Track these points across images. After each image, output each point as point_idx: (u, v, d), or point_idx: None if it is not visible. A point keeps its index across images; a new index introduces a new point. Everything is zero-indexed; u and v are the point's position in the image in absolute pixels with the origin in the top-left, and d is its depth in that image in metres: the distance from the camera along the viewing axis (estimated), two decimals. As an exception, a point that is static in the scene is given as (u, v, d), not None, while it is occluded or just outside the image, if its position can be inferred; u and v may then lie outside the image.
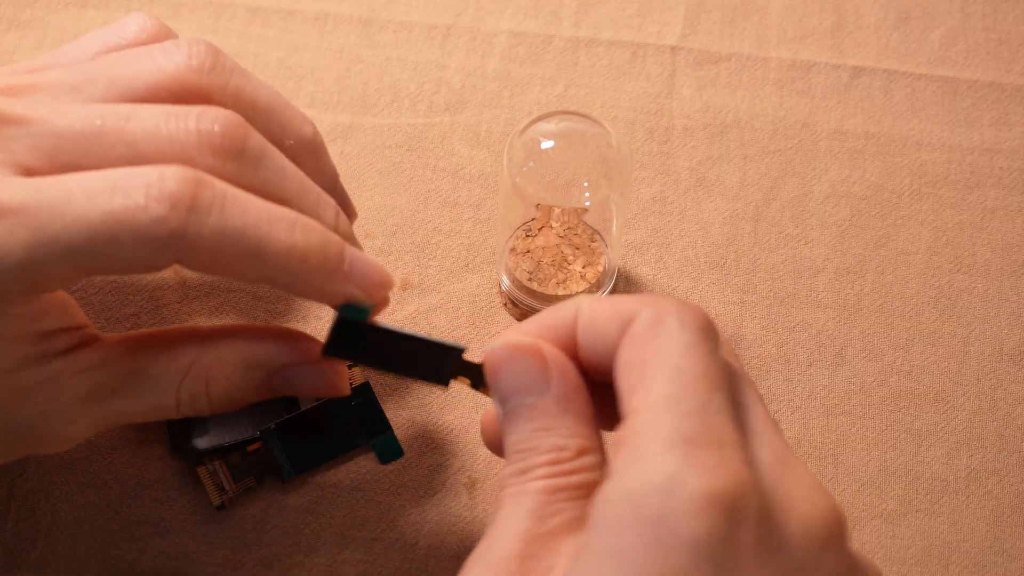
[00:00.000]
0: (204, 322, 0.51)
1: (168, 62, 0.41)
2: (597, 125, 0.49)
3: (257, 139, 0.40)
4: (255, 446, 0.48)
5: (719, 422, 0.34)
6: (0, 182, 0.37)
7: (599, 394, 0.38)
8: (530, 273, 0.51)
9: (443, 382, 0.41)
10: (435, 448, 0.49)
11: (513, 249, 0.52)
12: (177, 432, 0.48)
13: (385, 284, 0.41)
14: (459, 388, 0.50)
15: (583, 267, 0.51)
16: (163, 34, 0.45)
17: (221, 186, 0.38)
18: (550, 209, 0.50)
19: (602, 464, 0.36)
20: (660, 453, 0.33)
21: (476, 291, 0.53)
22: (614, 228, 0.51)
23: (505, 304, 0.53)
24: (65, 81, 0.42)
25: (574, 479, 0.36)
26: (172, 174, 0.37)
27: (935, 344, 0.53)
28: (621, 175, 0.48)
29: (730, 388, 0.35)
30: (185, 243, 0.37)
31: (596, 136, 0.48)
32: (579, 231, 0.52)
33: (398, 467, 0.49)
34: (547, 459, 0.36)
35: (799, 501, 0.35)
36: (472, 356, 0.40)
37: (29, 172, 0.38)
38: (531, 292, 0.51)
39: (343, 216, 0.43)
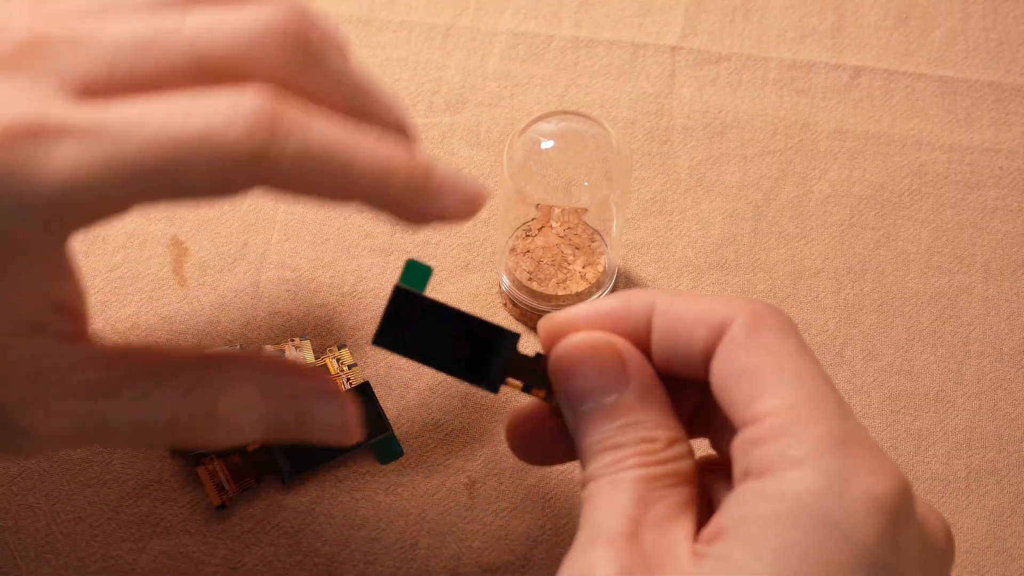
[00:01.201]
0: (204, 322, 0.51)
1: None
2: (597, 125, 0.49)
3: (319, 30, 0.37)
4: (255, 446, 0.48)
5: (855, 423, 0.34)
6: (64, 104, 0.35)
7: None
8: (530, 273, 0.51)
9: (493, 387, 0.38)
10: (435, 448, 0.49)
11: (513, 249, 0.52)
12: (177, 432, 0.48)
13: (479, 198, 0.37)
14: (458, 387, 0.50)
15: (583, 267, 0.51)
16: None
17: (301, 104, 0.36)
18: (550, 209, 0.50)
19: (691, 452, 0.36)
20: (818, 454, 0.33)
21: (476, 291, 0.53)
22: (614, 228, 0.51)
23: (505, 304, 0.53)
24: (95, 8, 0.38)
25: (669, 467, 0.35)
26: (252, 93, 0.35)
27: (935, 344, 0.53)
28: (621, 175, 0.48)
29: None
30: (268, 164, 0.35)
31: (596, 136, 0.48)
32: (579, 231, 0.52)
33: (398, 467, 0.49)
34: (638, 450, 0.35)
35: (930, 514, 0.35)
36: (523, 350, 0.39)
37: (89, 90, 0.36)
38: (531, 292, 0.51)
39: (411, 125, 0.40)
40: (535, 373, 0.38)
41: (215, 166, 0.35)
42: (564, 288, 0.51)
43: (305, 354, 0.50)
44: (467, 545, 0.47)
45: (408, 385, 0.51)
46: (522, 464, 0.49)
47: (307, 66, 0.37)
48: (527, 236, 0.52)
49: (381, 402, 0.49)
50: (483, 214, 0.55)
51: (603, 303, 0.38)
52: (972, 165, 0.58)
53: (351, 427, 0.39)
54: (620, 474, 0.35)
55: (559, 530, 0.48)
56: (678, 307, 0.37)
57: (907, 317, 0.54)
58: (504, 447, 0.49)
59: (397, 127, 0.39)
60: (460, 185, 0.37)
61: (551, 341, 0.38)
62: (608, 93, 0.59)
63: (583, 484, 0.36)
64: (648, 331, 0.37)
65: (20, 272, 0.36)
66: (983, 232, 0.56)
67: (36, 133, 0.35)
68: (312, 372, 0.39)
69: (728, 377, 0.35)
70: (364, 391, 0.49)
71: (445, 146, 0.57)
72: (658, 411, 0.37)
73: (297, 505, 0.48)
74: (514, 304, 0.52)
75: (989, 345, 0.53)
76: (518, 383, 0.38)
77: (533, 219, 0.52)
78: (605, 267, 0.51)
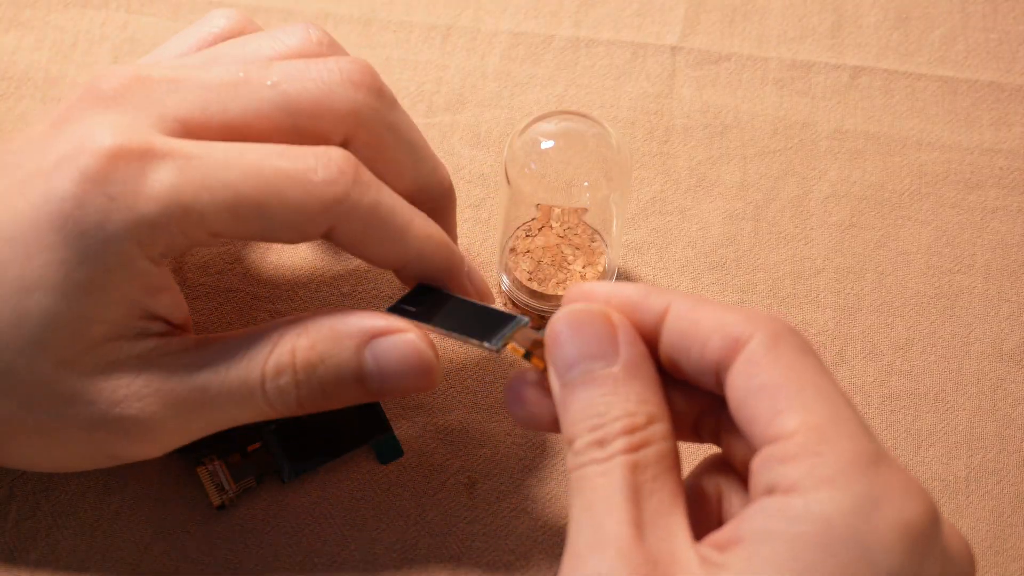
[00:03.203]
0: (204, 322, 0.51)
1: (290, 38, 0.44)
2: (597, 125, 0.49)
3: (386, 86, 0.44)
4: (255, 446, 0.48)
5: (881, 446, 0.34)
6: (165, 135, 0.39)
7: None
8: (530, 273, 0.51)
9: (496, 346, 0.40)
10: (435, 448, 0.49)
11: (513, 249, 0.52)
12: (177, 432, 0.48)
13: (490, 296, 0.44)
14: (459, 387, 0.50)
15: (583, 267, 0.51)
16: (249, 25, 0.47)
17: (372, 174, 0.41)
18: (550, 209, 0.50)
19: (671, 432, 0.36)
20: (848, 475, 0.33)
21: (476, 291, 0.53)
22: (614, 228, 0.51)
23: (505, 304, 0.53)
24: (189, 63, 0.43)
25: (651, 452, 0.35)
26: (336, 152, 0.40)
27: (935, 344, 0.53)
28: (621, 175, 0.48)
29: None
30: (345, 209, 0.40)
31: (596, 136, 0.48)
32: (579, 231, 0.52)
33: (398, 467, 0.49)
34: (622, 426, 0.36)
35: (954, 536, 0.35)
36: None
37: (185, 126, 0.40)
38: (531, 292, 0.51)
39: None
40: (538, 343, 0.39)
41: (300, 203, 0.39)
42: (564, 288, 0.51)
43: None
44: (467, 545, 0.47)
45: (408, 385, 0.50)
46: (522, 464, 0.49)
47: (379, 111, 0.43)
48: (527, 236, 0.52)
49: (381, 402, 0.49)
50: (483, 214, 0.55)
51: (624, 288, 0.38)
52: (972, 165, 0.58)
53: (431, 365, 0.41)
54: (609, 463, 0.35)
55: (559, 530, 0.48)
56: (696, 313, 0.37)
57: (907, 317, 0.54)
58: (504, 447, 0.49)
59: (441, 185, 0.45)
60: (480, 281, 0.44)
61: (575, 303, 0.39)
62: (608, 93, 0.59)
63: (570, 469, 0.36)
64: (657, 329, 0.37)
65: (118, 286, 0.40)
66: (983, 232, 0.56)
67: (143, 155, 0.39)
68: (378, 316, 0.42)
69: (748, 392, 0.35)
70: (364, 391, 0.49)
71: (445, 146, 0.57)
72: (643, 386, 0.37)
73: (297, 505, 0.48)
74: (514, 304, 0.52)
75: (989, 345, 0.53)
76: (520, 349, 0.40)
77: (533, 219, 0.52)
78: (605, 267, 0.51)
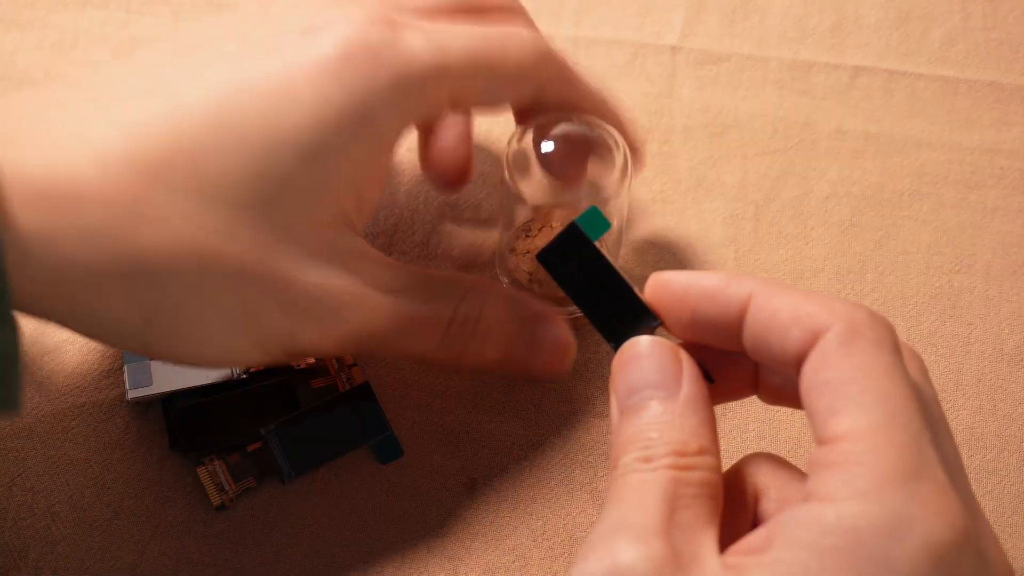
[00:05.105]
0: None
1: None
2: (597, 126, 0.49)
3: None
4: (255, 446, 0.48)
5: (932, 458, 0.33)
6: (404, 15, 0.44)
7: (735, 360, 0.39)
8: (530, 274, 0.51)
9: (616, 346, 0.39)
10: (435, 448, 0.49)
11: (513, 249, 0.52)
12: (177, 432, 0.48)
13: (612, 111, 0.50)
14: (459, 387, 0.50)
15: None
16: None
17: None
18: (550, 211, 0.50)
19: (719, 468, 0.36)
20: (885, 490, 0.32)
21: (476, 291, 0.53)
22: (614, 229, 0.51)
23: None
24: None
25: (695, 475, 0.35)
26: (524, 29, 0.47)
27: (935, 344, 0.53)
28: (621, 177, 0.48)
29: (928, 418, 0.35)
30: (549, 62, 0.47)
31: (596, 137, 0.48)
32: None
33: (398, 467, 0.49)
34: (670, 449, 0.36)
35: (998, 566, 0.34)
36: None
37: (413, 13, 0.44)
38: (530, 292, 0.51)
39: None
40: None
41: (519, 57, 0.45)
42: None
43: (305, 354, 0.50)
44: (467, 545, 0.47)
45: (408, 385, 0.50)
46: (522, 464, 0.49)
47: (565, 67, 0.48)
48: (527, 236, 0.52)
49: (381, 402, 0.49)
50: (483, 215, 0.55)
51: (704, 278, 0.38)
52: (972, 165, 0.58)
53: (570, 345, 0.46)
54: (651, 473, 0.35)
55: (559, 530, 0.48)
56: (776, 303, 0.36)
57: (907, 317, 0.54)
58: (504, 447, 0.49)
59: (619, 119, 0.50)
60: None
61: (655, 295, 0.39)
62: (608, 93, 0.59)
63: (611, 483, 0.36)
64: (740, 318, 0.37)
65: (359, 146, 0.41)
66: (984, 232, 0.56)
67: (392, 24, 0.42)
68: (538, 302, 0.46)
69: (813, 387, 0.35)
70: (364, 391, 0.49)
71: (445, 146, 0.57)
72: (700, 423, 0.37)
73: (297, 505, 0.48)
74: None
75: (989, 345, 0.53)
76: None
77: (533, 219, 0.52)
78: None
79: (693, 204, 0.56)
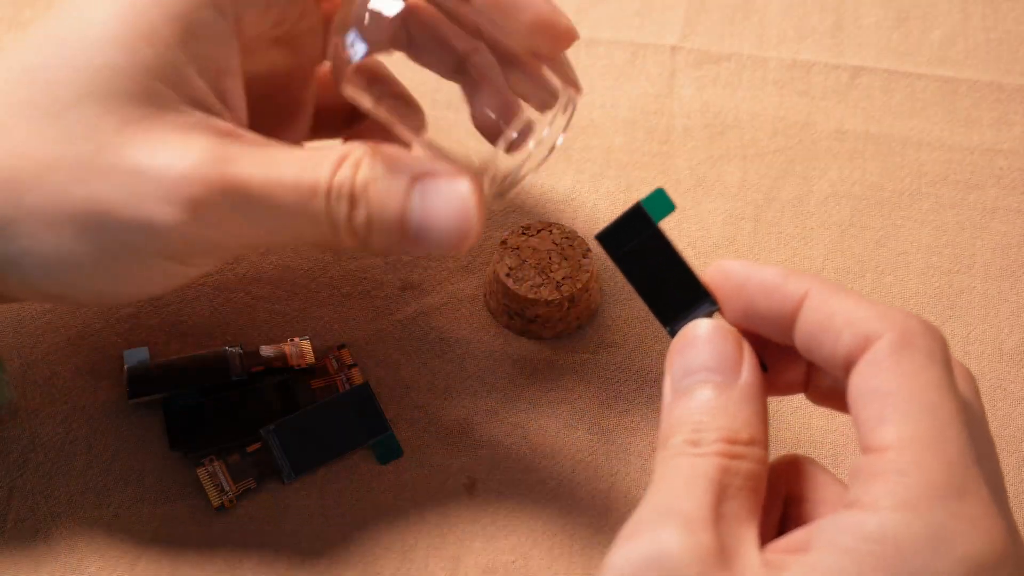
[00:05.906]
0: (204, 322, 0.51)
1: None
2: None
3: None
4: (255, 446, 0.48)
5: (976, 474, 0.33)
6: None
7: (780, 353, 0.38)
8: (510, 269, 0.51)
9: (672, 330, 0.39)
10: (435, 448, 0.49)
11: (504, 242, 0.51)
12: (177, 432, 0.48)
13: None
14: (459, 387, 0.50)
15: (562, 278, 0.50)
16: None
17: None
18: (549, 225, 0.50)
19: (767, 461, 0.36)
20: (927, 503, 0.32)
21: (476, 291, 0.53)
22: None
23: (485, 295, 0.52)
24: None
25: (743, 466, 0.35)
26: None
27: (935, 344, 0.53)
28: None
29: (974, 434, 0.35)
30: None
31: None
32: (575, 244, 0.51)
33: (398, 467, 0.49)
34: (721, 435, 0.35)
35: None
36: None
37: None
38: (505, 289, 0.50)
39: None
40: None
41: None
42: (535, 293, 0.50)
43: (305, 354, 0.50)
44: (467, 545, 0.47)
45: (408, 385, 0.51)
46: (522, 464, 0.49)
47: None
48: (523, 233, 0.52)
49: (381, 402, 0.49)
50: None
51: (764, 270, 0.38)
52: (972, 165, 0.58)
53: (470, 212, 0.41)
54: (701, 457, 0.35)
55: (559, 530, 0.48)
56: (832, 304, 0.36)
57: (907, 317, 0.54)
58: (504, 447, 0.49)
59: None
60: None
61: (714, 281, 0.39)
62: (608, 93, 0.59)
63: (657, 464, 0.36)
64: (794, 314, 0.37)
65: (171, 24, 0.40)
66: (983, 232, 0.56)
67: None
68: (440, 163, 0.42)
69: (861, 394, 0.35)
70: (364, 391, 0.49)
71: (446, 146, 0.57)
72: (753, 413, 0.36)
73: (297, 505, 0.48)
74: (487, 297, 0.51)
75: (989, 345, 0.53)
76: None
77: (536, 220, 0.52)
78: (584, 285, 0.51)
79: (693, 204, 0.56)
